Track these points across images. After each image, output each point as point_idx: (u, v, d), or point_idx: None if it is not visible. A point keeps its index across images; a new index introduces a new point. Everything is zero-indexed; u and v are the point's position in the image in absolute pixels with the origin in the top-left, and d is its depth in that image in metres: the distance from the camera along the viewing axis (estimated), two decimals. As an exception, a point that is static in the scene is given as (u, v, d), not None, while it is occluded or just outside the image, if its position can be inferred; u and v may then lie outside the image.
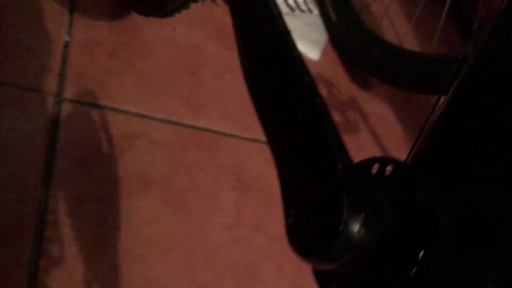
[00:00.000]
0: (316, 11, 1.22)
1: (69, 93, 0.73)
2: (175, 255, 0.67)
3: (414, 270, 0.23)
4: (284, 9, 1.16)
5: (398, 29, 1.33)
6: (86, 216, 0.64)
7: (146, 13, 0.81)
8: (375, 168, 0.27)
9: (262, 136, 0.86)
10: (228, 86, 0.89)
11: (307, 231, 0.24)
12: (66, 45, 0.78)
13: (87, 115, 0.73)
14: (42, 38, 0.77)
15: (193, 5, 0.98)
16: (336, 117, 1.06)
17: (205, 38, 0.93)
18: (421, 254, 0.23)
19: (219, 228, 0.73)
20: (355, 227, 0.23)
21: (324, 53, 1.15)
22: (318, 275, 0.28)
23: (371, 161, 0.27)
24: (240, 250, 0.72)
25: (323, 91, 1.09)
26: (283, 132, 0.27)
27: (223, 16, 0.98)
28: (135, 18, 0.87)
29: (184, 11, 0.78)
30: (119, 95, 0.77)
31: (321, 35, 1.18)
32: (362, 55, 1.12)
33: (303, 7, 1.21)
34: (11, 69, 0.70)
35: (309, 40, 1.14)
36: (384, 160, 0.26)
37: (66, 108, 0.72)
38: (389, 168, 0.26)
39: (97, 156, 0.70)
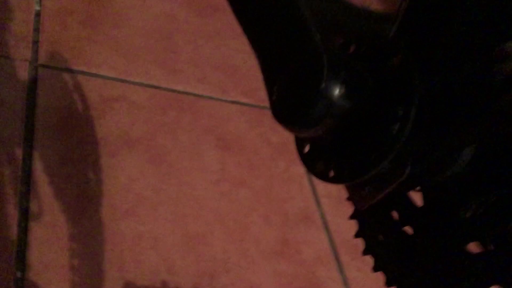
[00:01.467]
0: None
1: (44, 59, 0.73)
2: (164, 210, 0.67)
3: (396, 126, 0.24)
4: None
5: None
6: (69, 175, 0.64)
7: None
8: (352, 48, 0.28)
9: (241, 99, 0.87)
10: (202, 52, 0.90)
11: (290, 102, 0.25)
12: (38, 14, 0.77)
13: (64, 80, 0.72)
14: (12, 8, 0.76)
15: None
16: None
17: (177, 6, 0.93)
18: (400, 111, 0.23)
19: (205, 184, 0.73)
20: (335, 88, 0.23)
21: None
22: (303, 156, 0.29)
23: (347, 41, 0.28)
24: (227, 203, 0.73)
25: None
26: (262, 23, 0.28)
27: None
28: (106, -13, 0.86)
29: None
30: (95, 61, 0.77)
31: None
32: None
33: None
34: (-17, 36, 0.69)
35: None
36: (360, 38, 0.27)
37: (43, 74, 0.71)
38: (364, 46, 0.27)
39: (77, 119, 0.70)
